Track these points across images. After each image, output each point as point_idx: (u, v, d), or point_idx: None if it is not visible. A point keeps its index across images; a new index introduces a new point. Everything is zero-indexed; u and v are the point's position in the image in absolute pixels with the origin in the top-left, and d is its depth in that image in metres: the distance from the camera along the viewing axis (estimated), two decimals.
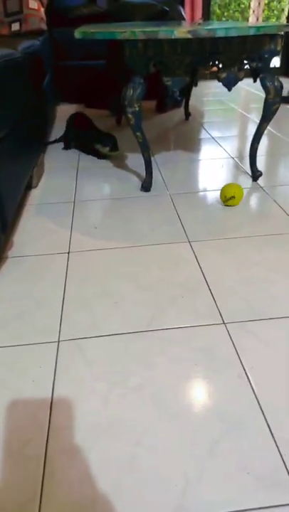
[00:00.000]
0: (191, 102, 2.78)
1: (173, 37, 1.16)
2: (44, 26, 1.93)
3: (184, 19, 2.64)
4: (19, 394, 0.71)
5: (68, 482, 0.58)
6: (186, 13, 3.23)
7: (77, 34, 1.28)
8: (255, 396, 0.69)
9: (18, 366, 0.77)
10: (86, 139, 1.87)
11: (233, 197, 1.34)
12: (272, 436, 0.63)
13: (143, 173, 1.51)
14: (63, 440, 0.64)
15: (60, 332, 0.84)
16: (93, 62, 2.55)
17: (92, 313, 0.90)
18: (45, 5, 2.01)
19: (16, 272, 1.04)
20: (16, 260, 1.09)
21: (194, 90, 3.19)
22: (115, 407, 0.68)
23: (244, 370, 0.74)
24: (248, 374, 0.73)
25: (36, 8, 1.86)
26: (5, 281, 1.01)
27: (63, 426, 0.66)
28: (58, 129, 2.30)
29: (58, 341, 0.82)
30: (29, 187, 1.51)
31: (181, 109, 2.63)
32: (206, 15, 3.46)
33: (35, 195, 1.49)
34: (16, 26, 1.83)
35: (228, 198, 1.35)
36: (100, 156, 1.83)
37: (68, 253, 1.12)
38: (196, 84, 2.93)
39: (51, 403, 0.70)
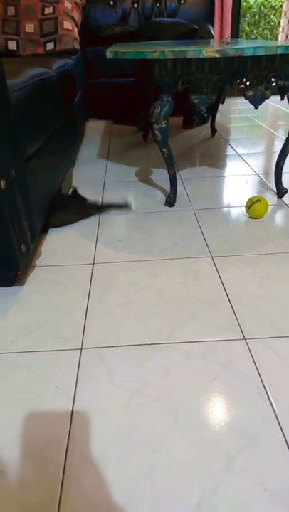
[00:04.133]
0: (217, 119, 2.81)
1: (201, 56, 1.19)
2: (77, 46, 2.02)
3: (212, 37, 2.70)
4: (42, 398, 0.74)
5: (86, 487, 0.60)
6: (215, 31, 3.29)
7: (109, 54, 1.33)
8: (274, 412, 0.69)
9: (42, 371, 0.80)
10: None
11: (259, 200, 1.35)
12: None
13: (167, 188, 1.54)
14: (83, 445, 0.65)
15: (83, 340, 0.87)
16: (122, 80, 2.63)
17: (114, 323, 0.92)
18: (79, 25, 2.09)
19: (43, 281, 1.08)
20: (42, 269, 1.13)
21: (221, 107, 3.23)
22: (134, 416, 0.70)
23: (263, 386, 0.74)
24: (268, 390, 0.73)
25: (70, 28, 1.94)
26: (32, 289, 1.05)
27: (84, 431, 0.68)
28: (87, 145, 2.37)
29: (81, 349, 0.85)
30: None
31: (207, 126, 2.66)
32: (235, 33, 3.50)
33: None
34: (50, 46, 1.92)
35: (254, 201, 1.35)
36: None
37: (93, 264, 1.15)
38: (222, 102, 2.97)
39: (72, 408, 0.72)
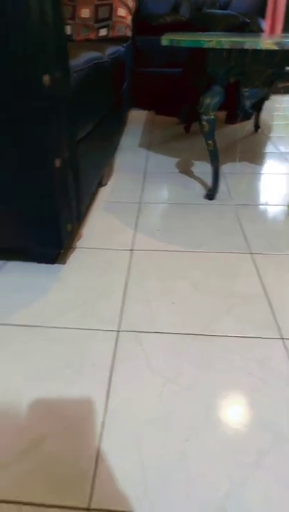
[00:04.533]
0: (261, 116, 2.75)
1: (258, 48, 1.17)
2: (129, 33, 2.01)
3: (263, 32, 2.63)
4: (79, 374, 0.76)
5: (120, 467, 0.61)
6: (266, 26, 3.21)
7: (164, 41, 1.33)
8: None
9: (80, 348, 0.81)
10: None
11: None
12: None
13: (207, 181, 1.53)
14: (118, 425, 0.67)
15: (120, 323, 0.88)
16: (168, 70, 2.61)
17: (151, 310, 0.92)
18: (133, 13, 2.09)
19: (82, 262, 1.10)
20: (83, 251, 1.15)
21: (265, 104, 3.15)
22: (168, 403, 0.71)
23: None
24: None
25: (124, 15, 1.94)
26: (72, 269, 1.07)
27: (119, 410, 0.69)
28: (130, 134, 2.38)
29: (118, 331, 0.86)
30: (100, 184, 1.58)
31: (251, 122, 2.61)
32: (287, 28, 3.40)
33: (104, 192, 1.55)
34: (103, 32, 1.93)
35: None
36: None
37: (131, 250, 1.16)
38: (268, 98, 2.89)
39: (108, 388, 0.73)
